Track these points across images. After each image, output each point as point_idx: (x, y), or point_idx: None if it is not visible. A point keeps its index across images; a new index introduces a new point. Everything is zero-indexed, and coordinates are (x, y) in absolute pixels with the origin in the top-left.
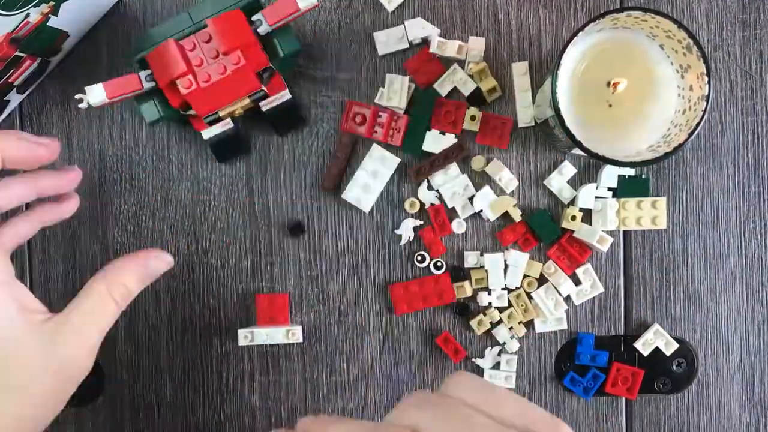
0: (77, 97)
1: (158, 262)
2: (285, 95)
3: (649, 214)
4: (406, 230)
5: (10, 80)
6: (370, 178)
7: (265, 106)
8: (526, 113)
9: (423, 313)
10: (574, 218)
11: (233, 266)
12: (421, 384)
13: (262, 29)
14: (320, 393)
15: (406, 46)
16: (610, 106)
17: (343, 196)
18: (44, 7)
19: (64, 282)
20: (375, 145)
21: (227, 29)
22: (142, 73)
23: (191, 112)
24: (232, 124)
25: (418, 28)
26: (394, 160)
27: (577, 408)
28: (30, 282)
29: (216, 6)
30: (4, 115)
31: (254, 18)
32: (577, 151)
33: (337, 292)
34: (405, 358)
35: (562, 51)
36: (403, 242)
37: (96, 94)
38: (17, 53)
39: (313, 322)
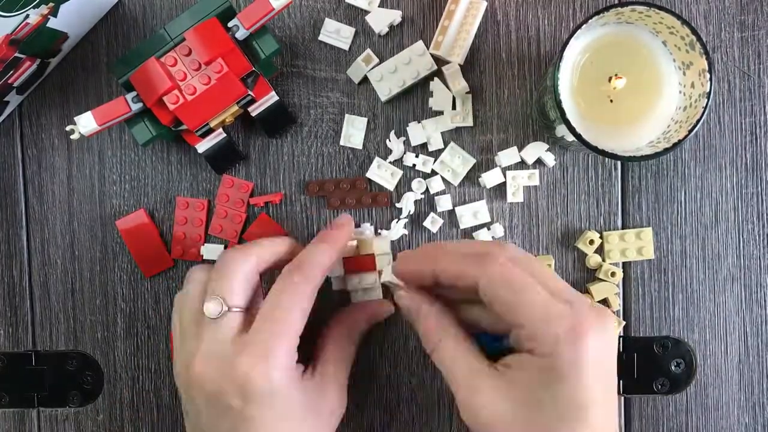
0: (68, 128)
1: (385, 309)
2: (272, 97)
3: (634, 245)
4: (407, 204)
5: (9, 81)
6: (401, 65)
7: (254, 111)
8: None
9: None
10: (591, 242)
11: None
12: (421, 385)
13: (240, 34)
14: None
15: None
16: (612, 101)
17: (367, 73)
18: (44, 9)
19: (64, 282)
20: (419, 41)
21: (205, 39)
22: (129, 96)
23: (183, 127)
24: (224, 134)
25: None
26: (429, 62)
27: None
28: (30, 282)
29: (191, 18)
30: (3, 116)
31: (230, 24)
32: (578, 145)
33: (336, 292)
34: (405, 357)
35: (565, 43)
36: (403, 215)
37: (86, 123)
38: (17, 54)
39: (313, 323)
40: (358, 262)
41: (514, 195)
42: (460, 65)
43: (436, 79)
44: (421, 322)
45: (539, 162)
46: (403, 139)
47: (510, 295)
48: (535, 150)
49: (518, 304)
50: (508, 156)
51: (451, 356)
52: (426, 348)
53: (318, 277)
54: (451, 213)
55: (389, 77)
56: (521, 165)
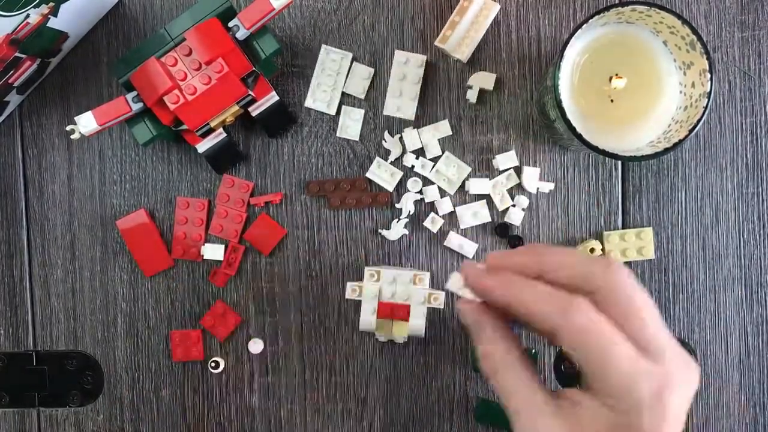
0: (68, 128)
1: None
2: (273, 97)
3: (634, 245)
4: (407, 204)
5: (9, 81)
6: (402, 83)
7: (254, 110)
8: (393, 103)
9: None
10: (592, 251)
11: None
12: (421, 385)
13: (240, 34)
14: (320, 393)
15: None
16: (612, 101)
17: (385, 112)
18: (44, 8)
19: (64, 282)
20: (397, 51)
21: (206, 39)
22: (129, 95)
23: (183, 127)
24: (224, 134)
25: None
26: (419, 60)
27: None
28: (30, 282)
29: (192, 18)
30: (4, 116)
31: (231, 24)
32: (578, 145)
33: (337, 293)
34: (405, 358)
35: (566, 43)
36: (403, 215)
37: (87, 123)
38: (17, 54)
39: (312, 323)
40: (393, 309)
41: (502, 201)
42: (464, 63)
43: (426, 129)
44: (483, 344)
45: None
46: (398, 136)
47: (591, 354)
48: (533, 177)
49: (599, 365)
50: (505, 159)
51: (513, 385)
52: (483, 369)
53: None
54: (452, 213)
55: (403, 101)
56: (521, 167)
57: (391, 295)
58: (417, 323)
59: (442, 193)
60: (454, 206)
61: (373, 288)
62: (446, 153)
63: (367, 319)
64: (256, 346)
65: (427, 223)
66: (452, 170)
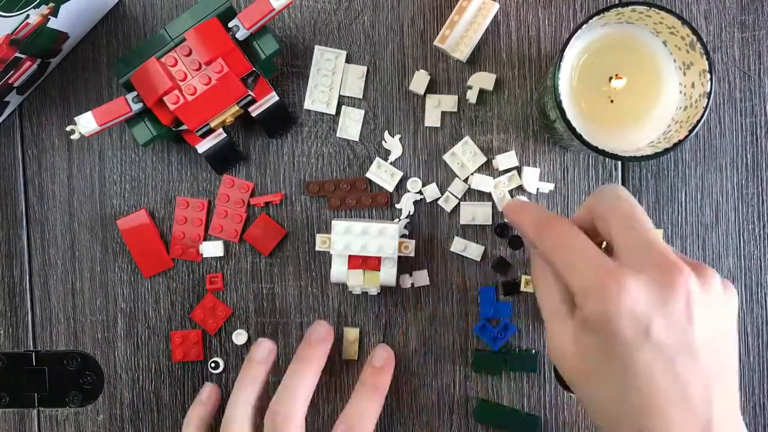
0: (68, 128)
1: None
2: (273, 98)
3: None
4: (407, 204)
5: (10, 81)
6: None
7: (254, 111)
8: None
9: (423, 314)
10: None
11: (232, 267)
12: (421, 385)
13: (240, 34)
14: (320, 394)
15: None
16: (612, 101)
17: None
18: (44, 9)
19: (64, 282)
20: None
21: (206, 39)
22: (129, 96)
23: (183, 127)
24: (224, 135)
25: None
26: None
27: (576, 408)
28: (30, 283)
29: (192, 18)
30: (4, 116)
31: (231, 24)
32: (578, 145)
33: (336, 292)
34: (405, 359)
35: (566, 43)
36: (403, 216)
37: (87, 123)
38: (17, 54)
39: (312, 323)
40: (364, 260)
41: (503, 201)
42: (463, 63)
43: (430, 96)
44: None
45: (539, 163)
46: (398, 136)
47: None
48: (533, 177)
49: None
50: (505, 159)
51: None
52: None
53: (302, 408)
54: (453, 213)
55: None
56: (520, 169)
57: (362, 247)
58: (388, 272)
59: (452, 178)
60: (463, 197)
61: (343, 240)
62: (466, 138)
63: (339, 270)
64: None
65: (441, 202)
66: (468, 155)
